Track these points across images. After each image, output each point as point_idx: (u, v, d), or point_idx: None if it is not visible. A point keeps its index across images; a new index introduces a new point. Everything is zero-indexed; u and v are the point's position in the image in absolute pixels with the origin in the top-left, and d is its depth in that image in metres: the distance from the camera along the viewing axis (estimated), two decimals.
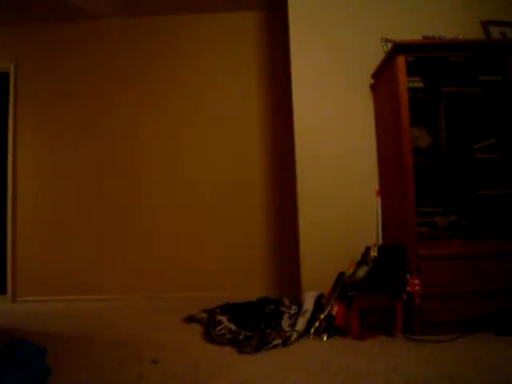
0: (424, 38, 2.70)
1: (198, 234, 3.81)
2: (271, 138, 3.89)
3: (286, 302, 2.76)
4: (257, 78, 3.92)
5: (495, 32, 2.82)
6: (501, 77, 2.50)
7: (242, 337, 2.26)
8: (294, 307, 2.62)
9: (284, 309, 2.63)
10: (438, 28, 2.81)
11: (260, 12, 3.97)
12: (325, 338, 2.23)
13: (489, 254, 2.31)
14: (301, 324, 2.34)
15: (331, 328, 2.29)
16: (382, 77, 2.77)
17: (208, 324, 2.54)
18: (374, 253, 2.53)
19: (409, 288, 2.25)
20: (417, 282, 2.26)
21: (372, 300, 2.28)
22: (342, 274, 2.56)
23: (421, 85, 2.53)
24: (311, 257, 2.88)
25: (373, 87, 2.96)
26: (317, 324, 2.31)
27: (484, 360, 1.83)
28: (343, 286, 2.39)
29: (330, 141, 2.97)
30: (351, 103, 2.98)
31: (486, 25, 2.86)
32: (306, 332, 2.32)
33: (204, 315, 2.79)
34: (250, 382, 1.65)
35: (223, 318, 2.53)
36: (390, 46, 2.65)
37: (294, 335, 2.25)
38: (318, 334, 2.28)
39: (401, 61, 2.43)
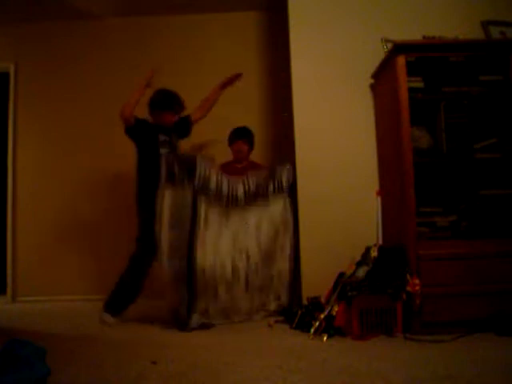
0: (424, 38, 2.69)
1: None
2: (271, 136, 3.90)
3: None
4: (257, 78, 3.93)
5: (495, 32, 2.82)
6: (501, 77, 2.50)
7: None
8: None
9: None
10: (438, 28, 2.79)
11: (260, 12, 3.97)
12: (325, 338, 2.23)
13: (489, 254, 2.31)
14: None
15: (331, 328, 2.28)
16: (382, 77, 2.77)
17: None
18: (374, 253, 2.52)
19: (409, 288, 2.25)
20: (417, 282, 2.26)
21: (372, 300, 2.27)
22: (342, 274, 2.55)
23: (421, 85, 2.52)
24: (311, 257, 2.88)
25: (373, 87, 2.96)
26: (317, 324, 2.31)
27: (484, 360, 1.83)
28: (343, 286, 2.39)
29: (330, 140, 2.97)
30: (351, 103, 2.98)
31: (486, 25, 2.86)
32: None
33: None
34: (250, 383, 1.65)
35: None
36: (390, 46, 2.64)
37: None
38: (318, 334, 2.28)
39: (401, 61, 2.43)
